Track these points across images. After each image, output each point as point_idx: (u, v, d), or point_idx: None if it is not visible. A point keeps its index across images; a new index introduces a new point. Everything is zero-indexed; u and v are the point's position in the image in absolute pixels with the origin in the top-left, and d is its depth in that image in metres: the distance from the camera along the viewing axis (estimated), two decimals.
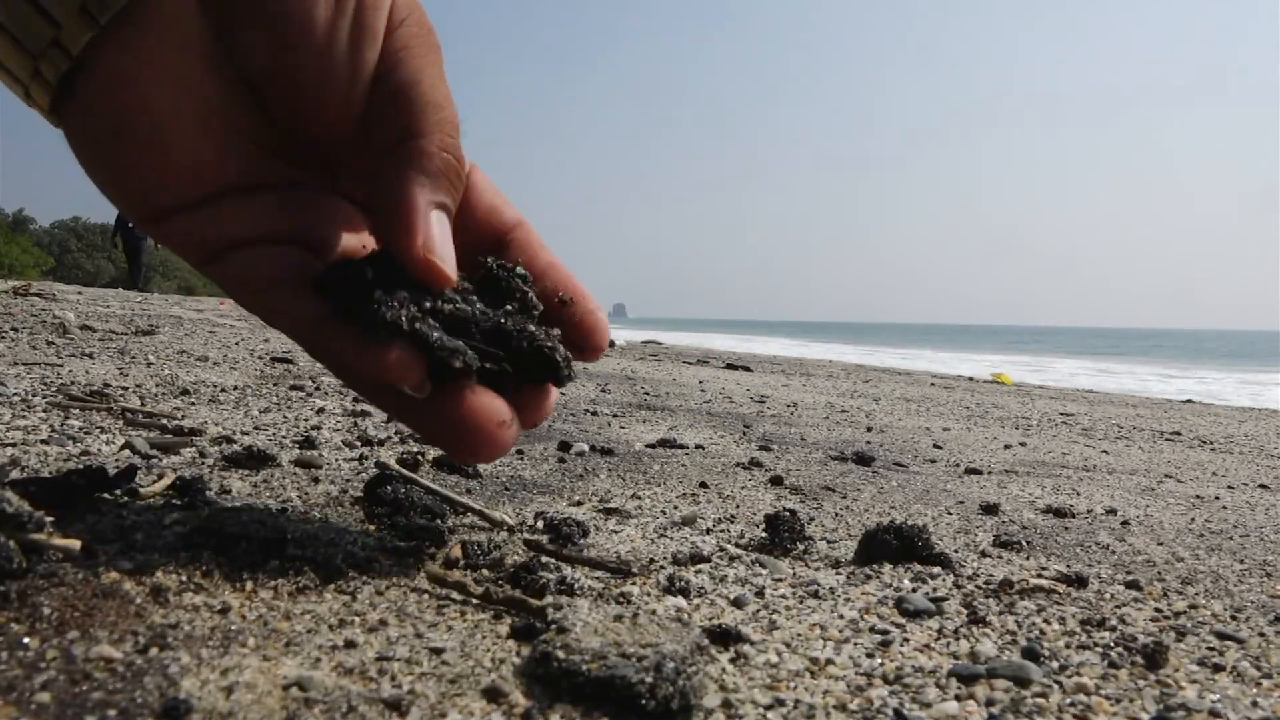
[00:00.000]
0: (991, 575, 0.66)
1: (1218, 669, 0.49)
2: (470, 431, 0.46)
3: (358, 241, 0.51)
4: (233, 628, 0.41)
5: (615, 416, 1.60)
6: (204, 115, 0.44)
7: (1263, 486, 1.36)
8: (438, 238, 0.45)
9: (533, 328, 0.48)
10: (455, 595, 0.50)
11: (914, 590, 0.60)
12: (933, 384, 4.16)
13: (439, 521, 0.65)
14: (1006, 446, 1.69)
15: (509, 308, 0.48)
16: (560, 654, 0.39)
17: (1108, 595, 0.63)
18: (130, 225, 10.83)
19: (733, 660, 0.45)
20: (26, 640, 0.37)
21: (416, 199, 0.44)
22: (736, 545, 0.70)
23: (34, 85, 0.44)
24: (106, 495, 0.61)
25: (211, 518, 0.52)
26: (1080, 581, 0.65)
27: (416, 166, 0.45)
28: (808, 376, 3.86)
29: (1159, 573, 0.71)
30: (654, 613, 0.51)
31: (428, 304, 0.44)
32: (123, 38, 0.41)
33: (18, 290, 4.29)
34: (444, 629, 0.45)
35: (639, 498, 0.86)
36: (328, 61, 0.43)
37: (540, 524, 0.69)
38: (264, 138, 0.46)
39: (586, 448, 1.13)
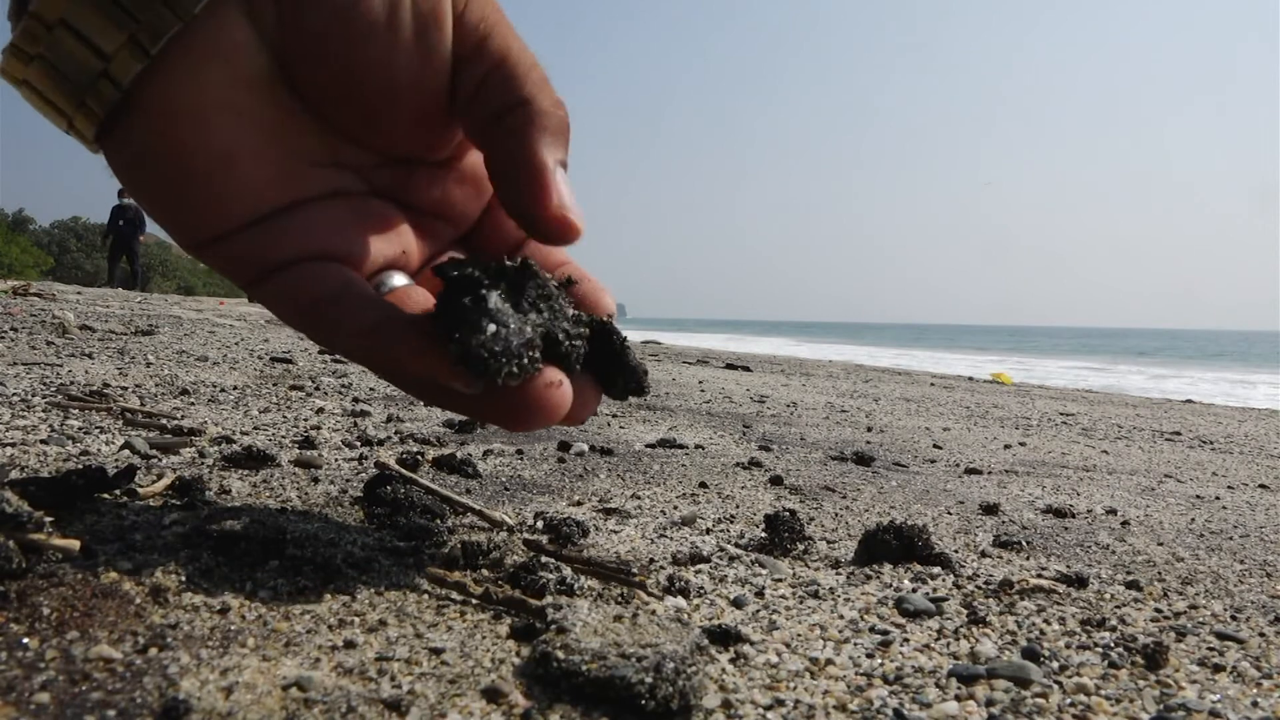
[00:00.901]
0: (991, 575, 0.66)
1: (1218, 669, 0.49)
2: (532, 412, 0.44)
3: (411, 250, 0.50)
4: (232, 628, 0.41)
5: (615, 416, 1.60)
6: (259, 144, 0.43)
7: (1263, 486, 1.36)
8: (568, 194, 0.45)
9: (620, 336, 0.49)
10: (455, 595, 0.50)
11: (914, 590, 0.60)
12: (933, 384, 4.16)
13: (439, 521, 0.64)
14: (1006, 446, 1.69)
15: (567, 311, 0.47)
16: (560, 654, 0.39)
17: (1108, 595, 0.63)
18: (121, 224, 10.66)
19: (733, 660, 0.45)
20: (26, 640, 0.37)
21: (545, 158, 0.44)
22: (736, 545, 0.70)
23: (79, 117, 0.43)
24: (106, 495, 0.61)
25: (211, 518, 0.52)
26: (1080, 581, 0.65)
27: (536, 125, 0.44)
28: (807, 376, 3.86)
29: (1159, 573, 0.71)
30: (654, 613, 0.51)
31: (525, 314, 0.44)
32: (175, 70, 0.40)
33: (17, 290, 4.29)
34: (444, 629, 0.45)
35: (639, 498, 0.86)
36: (394, 57, 0.43)
37: (540, 524, 0.69)
38: (323, 154, 0.46)
39: (586, 448, 1.13)
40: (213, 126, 0.41)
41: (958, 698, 0.43)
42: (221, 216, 0.44)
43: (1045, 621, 0.56)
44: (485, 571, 0.56)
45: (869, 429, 1.80)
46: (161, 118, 0.41)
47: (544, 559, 0.58)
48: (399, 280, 0.49)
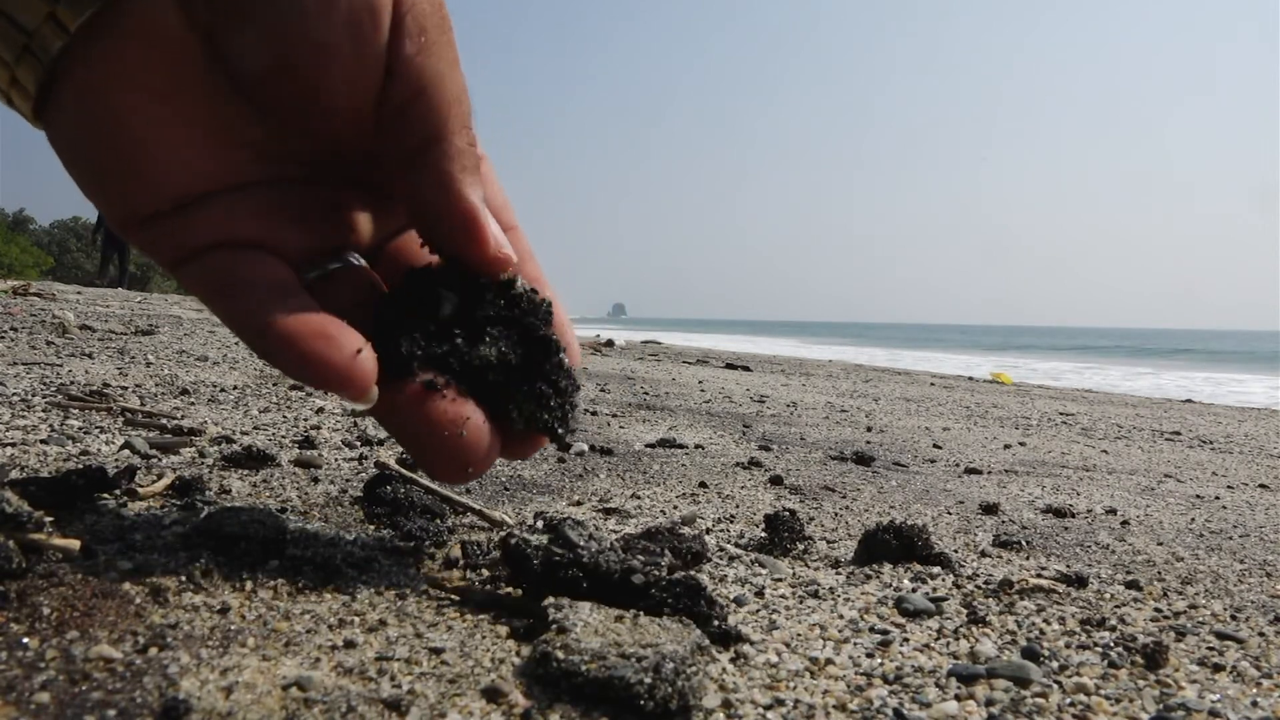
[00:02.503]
0: (991, 575, 0.66)
1: (1218, 669, 0.49)
2: (433, 436, 0.45)
3: (363, 230, 0.50)
4: (232, 628, 0.41)
5: (615, 416, 1.60)
6: (188, 126, 0.42)
7: (1263, 486, 1.36)
8: (498, 231, 0.46)
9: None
10: (454, 596, 0.50)
11: (914, 590, 0.60)
12: (932, 384, 4.16)
13: (439, 521, 0.64)
14: (1006, 446, 1.69)
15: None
16: (560, 654, 0.39)
17: (1108, 595, 0.63)
18: None
19: (733, 660, 0.45)
20: (26, 640, 0.37)
21: (472, 202, 0.45)
22: (736, 545, 0.70)
23: (14, 92, 0.43)
24: (106, 495, 0.61)
25: (211, 518, 0.52)
26: (1080, 581, 0.65)
27: (456, 165, 0.44)
28: (807, 376, 3.86)
29: (1159, 573, 0.71)
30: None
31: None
32: (99, 47, 0.40)
33: (17, 290, 4.29)
34: (444, 629, 0.45)
35: (639, 497, 0.86)
36: (329, 51, 0.42)
37: (540, 524, 0.69)
38: (260, 141, 0.45)
39: (586, 447, 1.13)
40: (138, 107, 0.41)
41: (958, 697, 0.43)
42: (148, 197, 0.43)
43: (1045, 621, 0.56)
44: (485, 571, 0.56)
45: (869, 429, 1.80)
46: (87, 97, 0.41)
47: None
48: (340, 263, 0.49)
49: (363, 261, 0.50)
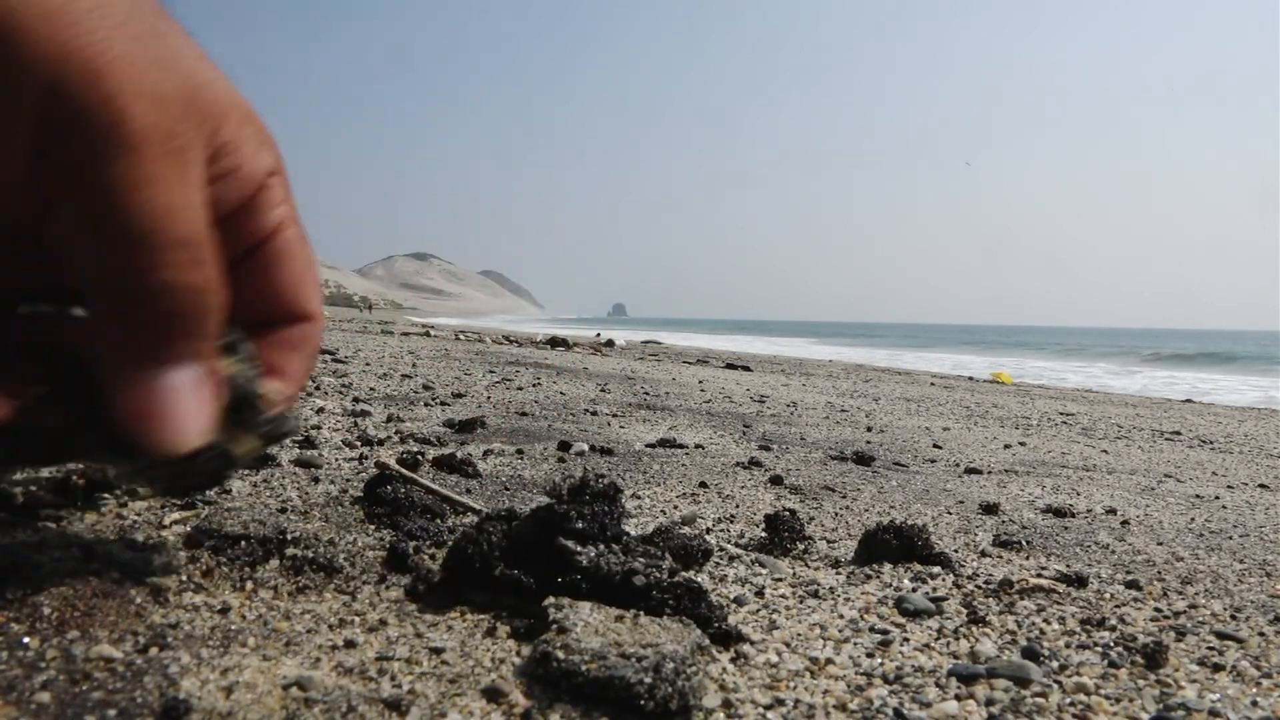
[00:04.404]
0: (991, 575, 0.66)
1: (1218, 669, 0.49)
2: None
3: None
4: (233, 628, 0.41)
5: (615, 416, 1.60)
6: None
7: (1262, 486, 1.36)
8: (191, 419, 0.35)
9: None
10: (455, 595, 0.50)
11: (914, 590, 0.60)
12: (933, 384, 4.16)
13: (439, 521, 0.64)
14: (1006, 446, 1.69)
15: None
16: (560, 654, 0.39)
17: (1108, 595, 0.63)
18: None
19: (733, 660, 0.45)
20: (27, 640, 0.37)
21: (155, 392, 0.34)
22: (736, 545, 0.70)
23: None
24: (107, 495, 0.61)
25: (211, 518, 0.52)
26: (1080, 581, 0.65)
27: (137, 329, 0.33)
28: (807, 376, 3.86)
29: (1159, 572, 0.71)
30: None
31: None
32: None
33: None
34: (444, 629, 0.45)
35: (639, 497, 0.86)
36: None
37: None
38: None
39: (586, 447, 1.13)
40: None
41: (958, 697, 0.43)
42: None
43: (1045, 621, 0.56)
44: None
45: (869, 429, 1.80)
46: None
47: None
48: None
49: None
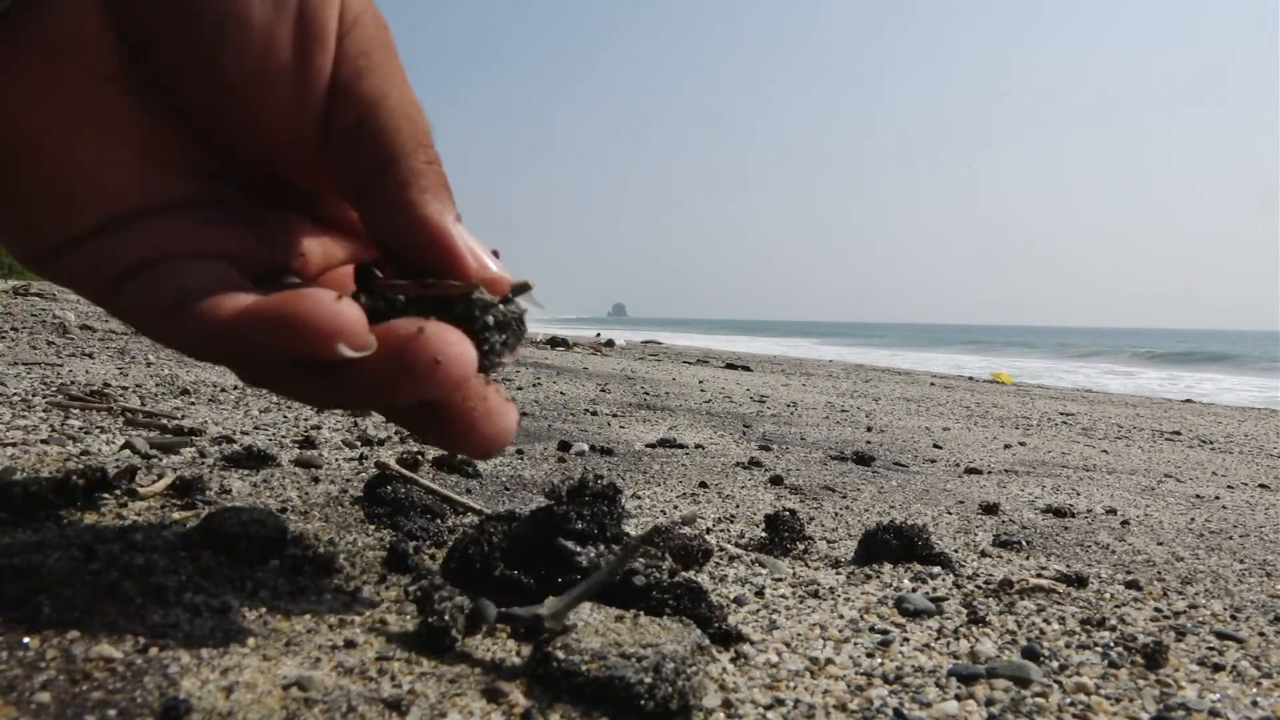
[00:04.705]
0: (991, 575, 0.66)
1: (1218, 669, 0.49)
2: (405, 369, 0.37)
3: (313, 254, 0.46)
4: (232, 628, 0.41)
5: (615, 416, 1.60)
6: (110, 144, 0.38)
7: (1263, 486, 1.36)
8: (480, 249, 0.41)
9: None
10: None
11: (914, 590, 0.60)
12: (933, 384, 4.16)
13: (439, 521, 0.65)
14: (1006, 446, 1.69)
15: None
16: (560, 654, 0.39)
17: (1108, 595, 0.63)
18: None
19: (733, 660, 0.45)
20: (26, 640, 0.37)
21: (441, 223, 0.40)
22: (736, 545, 0.70)
23: None
24: (107, 495, 0.61)
25: (211, 518, 0.52)
26: (1080, 581, 0.65)
27: (418, 188, 0.40)
28: (807, 376, 3.86)
29: (1159, 572, 0.71)
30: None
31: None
32: (12, 57, 0.36)
33: (18, 290, 4.29)
34: None
35: (639, 497, 0.86)
36: (270, 74, 0.38)
37: None
38: (197, 163, 0.41)
39: (586, 447, 1.13)
40: (52, 122, 0.37)
41: (958, 697, 0.43)
42: (63, 221, 0.39)
43: (1045, 621, 0.56)
44: None
45: (869, 429, 1.80)
46: None
47: None
48: (286, 281, 0.44)
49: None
